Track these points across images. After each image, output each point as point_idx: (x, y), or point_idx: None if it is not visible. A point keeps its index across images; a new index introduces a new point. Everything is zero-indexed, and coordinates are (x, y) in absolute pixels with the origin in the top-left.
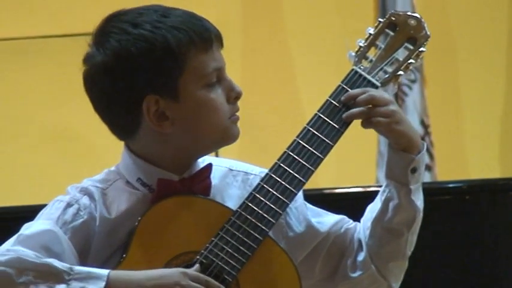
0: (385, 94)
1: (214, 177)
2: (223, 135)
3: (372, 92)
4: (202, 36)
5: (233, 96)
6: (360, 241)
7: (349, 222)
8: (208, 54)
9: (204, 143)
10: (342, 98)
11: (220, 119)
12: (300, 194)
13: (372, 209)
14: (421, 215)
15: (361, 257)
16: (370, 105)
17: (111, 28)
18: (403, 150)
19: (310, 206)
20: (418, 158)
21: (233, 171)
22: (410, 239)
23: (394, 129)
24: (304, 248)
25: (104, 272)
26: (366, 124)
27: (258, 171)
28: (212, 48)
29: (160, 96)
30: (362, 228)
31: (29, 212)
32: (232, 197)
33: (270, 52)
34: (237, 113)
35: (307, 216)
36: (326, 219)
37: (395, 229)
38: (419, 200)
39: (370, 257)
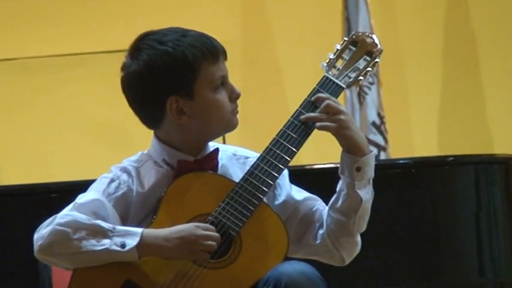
0: (340, 105)
1: (222, 159)
2: (227, 125)
3: (328, 101)
4: (212, 51)
5: (234, 96)
6: (322, 219)
7: (321, 204)
8: (216, 65)
9: (212, 131)
10: (312, 98)
11: (224, 113)
12: (286, 174)
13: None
14: (365, 203)
15: (321, 230)
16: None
17: (143, 45)
18: (349, 152)
19: (295, 186)
20: (362, 160)
21: (236, 156)
22: (357, 222)
23: (341, 133)
24: (285, 212)
25: (139, 230)
26: (318, 127)
27: (256, 156)
28: (219, 60)
29: (180, 97)
30: (325, 210)
31: (82, 186)
32: (236, 175)
33: (264, 63)
34: (237, 109)
35: (289, 189)
36: (304, 194)
37: (344, 212)
38: (363, 192)
39: (326, 231)
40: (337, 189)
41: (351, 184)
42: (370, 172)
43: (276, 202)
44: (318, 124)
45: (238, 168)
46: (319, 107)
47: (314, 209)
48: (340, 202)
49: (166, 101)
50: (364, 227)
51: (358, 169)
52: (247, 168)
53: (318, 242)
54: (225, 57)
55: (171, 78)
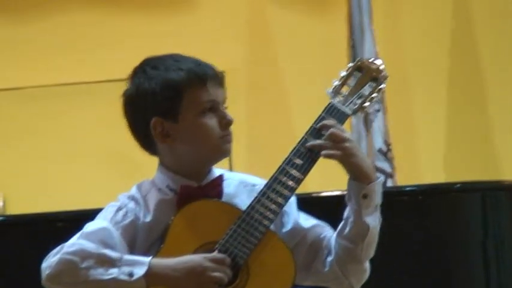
0: (345, 132)
1: (229, 187)
2: (215, 150)
3: (333, 129)
4: (198, 75)
5: (224, 122)
6: (330, 246)
7: (329, 231)
8: (203, 89)
9: (201, 156)
10: (317, 126)
11: (211, 138)
12: (294, 201)
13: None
14: (373, 230)
15: (329, 258)
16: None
17: (139, 69)
18: (356, 180)
19: (303, 213)
20: (368, 187)
21: (243, 183)
22: (365, 249)
23: (346, 161)
24: (293, 240)
25: (147, 259)
26: (324, 155)
27: (263, 183)
28: (206, 85)
29: (165, 119)
30: (333, 237)
31: (90, 215)
32: (243, 202)
33: (270, 91)
34: (229, 136)
35: (296, 217)
36: (312, 221)
37: (351, 240)
38: (371, 219)
39: (335, 259)
40: (344, 216)
41: (358, 211)
42: (377, 199)
43: (284, 230)
44: (323, 152)
45: (245, 196)
46: (325, 134)
47: (322, 236)
48: (347, 229)
49: (150, 121)
50: (372, 254)
51: (365, 196)
52: (254, 194)
53: (326, 269)
54: (219, 84)
55: (155, 101)
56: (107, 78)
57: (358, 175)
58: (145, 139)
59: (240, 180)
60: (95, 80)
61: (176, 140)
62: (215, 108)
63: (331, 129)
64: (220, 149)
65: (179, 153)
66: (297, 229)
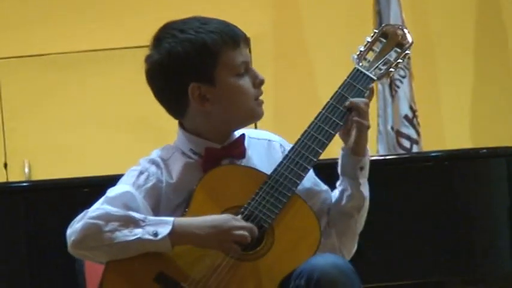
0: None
1: (249, 145)
2: (251, 112)
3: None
4: (232, 37)
5: (257, 82)
6: (329, 216)
7: (331, 197)
8: (237, 51)
9: (236, 118)
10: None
11: (247, 99)
12: None
13: (333, 196)
14: (367, 201)
15: (328, 228)
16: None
17: (164, 34)
18: (353, 153)
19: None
20: (365, 159)
21: (260, 140)
22: (359, 220)
23: (363, 134)
24: (308, 200)
25: (171, 219)
26: (357, 121)
27: (278, 139)
28: (240, 46)
29: (202, 83)
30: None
31: (112, 180)
32: (261, 158)
33: (295, 57)
34: (261, 97)
35: (314, 177)
36: (323, 185)
37: (347, 212)
38: (366, 191)
39: (333, 230)
40: (338, 190)
41: (356, 184)
42: (368, 169)
43: (301, 187)
44: (357, 119)
45: (263, 152)
46: (349, 98)
47: (329, 202)
48: (344, 202)
49: (188, 88)
50: (362, 226)
51: (362, 168)
52: (272, 151)
53: (326, 239)
54: (247, 45)
55: (191, 65)
56: (131, 45)
57: (359, 149)
58: (176, 104)
59: (256, 136)
60: (119, 46)
61: (214, 103)
62: (248, 68)
63: (364, 102)
64: (254, 111)
65: (213, 116)
66: (314, 189)
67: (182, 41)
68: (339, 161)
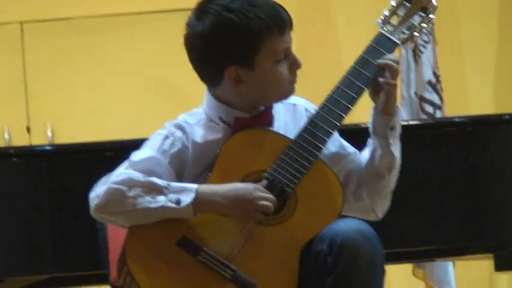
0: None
1: (275, 110)
2: (283, 95)
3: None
4: (278, 24)
5: (295, 67)
6: (360, 177)
7: (360, 158)
8: (281, 38)
9: (268, 99)
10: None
11: (282, 85)
12: None
13: (363, 157)
14: (398, 161)
15: (359, 189)
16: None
17: (210, 9)
18: (383, 113)
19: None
20: (395, 119)
21: (285, 104)
22: (390, 180)
23: (392, 94)
24: (335, 164)
25: (194, 186)
26: (385, 81)
27: (303, 103)
28: (284, 33)
29: (240, 67)
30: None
31: (137, 144)
32: (287, 122)
33: (319, 21)
34: (296, 79)
35: (339, 139)
36: (351, 147)
37: (379, 172)
38: (396, 151)
39: (365, 191)
40: (369, 149)
41: (386, 144)
42: (399, 129)
43: (326, 152)
44: (383, 80)
45: (288, 116)
46: (373, 62)
47: (358, 164)
48: (376, 163)
49: (226, 69)
50: (394, 185)
51: (392, 128)
52: (297, 115)
53: (357, 201)
54: (291, 28)
55: (233, 48)
56: (156, 9)
57: (389, 108)
58: (211, 76)
59: (283, 102)
60: (144, 10)
61: (248, 85)
62: (288, 53)
63: (396, 60)
64: (287, 92)
65: (244, 95)
66: (341, 153)
67: (228, 21)
68: (370, 121)
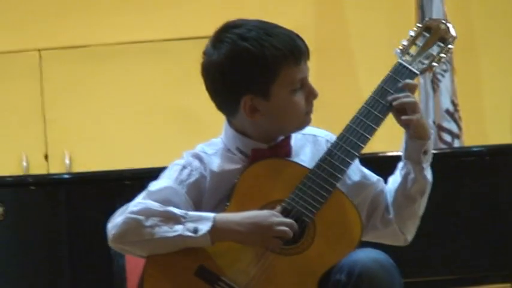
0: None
1: (294, 141)
2: (299, 125)
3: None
4: (294, 54)
5: (311, 98)
6: (387, 202)
7: (384, 185)
8: (297, 68)
9: (284, 129)
10: (400, 85)
11: (298, 115)
12: None
13: (394, 181)
14: (430, 185)
15: (388, 215)
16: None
17: (226, 38)
18: (417, 137)
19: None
20: (428, 143)
21: (305, 135)
22: (422, 203)
23: (418, 123)
24: (358, 194)
25: (211, 215)
26: (405, 120)
27: (324, 135)
28: (301, 63)
29: (255, 96)
30: (388, 194)
31: (155, 173)
32: (306, 154)
33: (337, 50)
34: (312, 109)
35: (361, 168)
36: (374, 175)
37: (411, 196)
38: (429, 175)
39: (394, 216)
40: (401, 174)
41: (419, 168)
42: (431, 153)
43: (349, 182)
44: (405, 118)
45: (309, 148)
46: (392, 92)
47: (383, 191)
48: (408, 186)
49: (241, 98)
50: (424, 209)
51: (425, 152)
52: (317, 147)
53: (386, 226)
54: (308, 58)
55: (249, 77)
56: (173, 37)
57: (420, 133)
58: (227, 105)
59: (303, 132)
60: (161, 38)
61: (264, 115)
62: (304, 83)
63: (409, 99)
64: (303, 122)
65: (260, 125)
66: (364, 182)
67: (243, 50)
68: (402, 144)
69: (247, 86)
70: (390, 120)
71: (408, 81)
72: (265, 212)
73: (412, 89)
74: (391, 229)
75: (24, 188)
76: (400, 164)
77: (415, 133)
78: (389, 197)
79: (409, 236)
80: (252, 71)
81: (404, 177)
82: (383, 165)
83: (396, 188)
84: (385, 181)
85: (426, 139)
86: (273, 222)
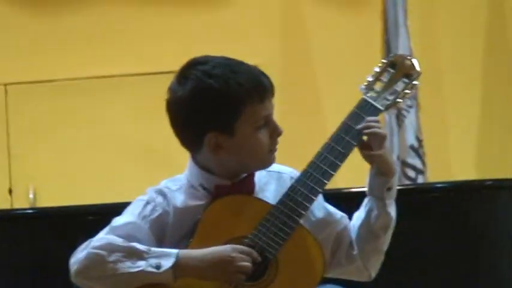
0: (383, 130)
1: (258, 178)
2: (262, 163)
3: (376, 129)
4: (258, 91)
5: (275, 135)
6: (351, 239)
7: (348, 222)
8: (261, 105)
9: (248, 166)
10: (359, 126)
11: (261, 152)
12: None
13: (358, 217)
14: (394, 221)
15: (353, 251)
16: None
17: (191, 74)
18: (381, 174)
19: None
20: (393, 180)
21: (270, 172)
22: (386, 240)
23: (384, 159)
24: (322, 230)
25: (174, 251)
26: (368, 155)
27: (289, 172)
28: (265, 100)
29: (220, 133)
30: (352, 229)
31: (118, 208)
32: (271, 191)
33: (302, 85)
34: (276, 147)
35: (325, 205)
36: (338, 212)
37: (375, 232)
38: (393, 211)
39: (358, 253)
40: (365, 210)
41: (383, 204)
42: (395, 189)
43: (314, 218)
44: (369, 153)
45: (274, 186)
46: (356, 129)
47: (347, 227)
48: (372, 222)
49: (206, 135)
50: (388, 244)
51: (389, 189)
52: (282, 184)
53: (350, 263)
54: (273, 94)
55: (213, 114)
56: (142, 71)
57: (385, 169)
58: (191, 142)
59: (267, 169)
60: (127, 73)
61: (228, 152)
62: (268, 120)
63: (376, 130)
64: (267, 160)
65: (224, 161)
66: (328, 219)
67: (208, 87)
68: (367, 181)
69: (212, 123)
70: (356, 155)
71: (371, 118)
72: (226, 247)
73: (378, 139)
74: (356, 265)
75: None
76: (365, 200)
77: (380, 169)
78: (354, 233)
79: (373, 272)
80: (216, 108)
81: (368, 213)
82: (348, 201)
83: (360, 224)
84: (350, 217)
85: (391, 176)
86: (234, 257)
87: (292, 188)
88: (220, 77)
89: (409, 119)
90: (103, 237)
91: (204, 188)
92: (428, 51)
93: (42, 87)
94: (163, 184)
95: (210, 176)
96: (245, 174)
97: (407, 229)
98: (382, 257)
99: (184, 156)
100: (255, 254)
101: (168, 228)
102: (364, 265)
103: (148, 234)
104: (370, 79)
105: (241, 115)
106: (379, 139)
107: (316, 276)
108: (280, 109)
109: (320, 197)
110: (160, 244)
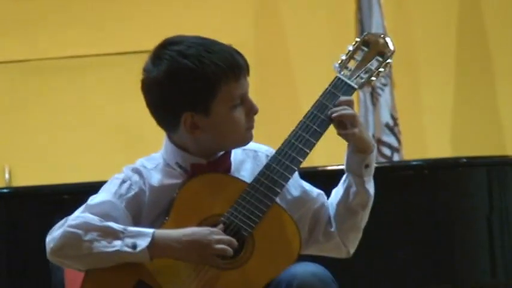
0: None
1: (234, 156)
2: (240, 141)
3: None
4: (234, 70)
5: (252, 113)
6: (329, 216)
7: (325, 199)
8: (237, 84)
9: (224, 145)
10: (336, 103)
11: (238, 131)
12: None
13: (336, 193)
14: (372, 198)
15: (330, 228)
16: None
17: (165, 54)
18: (359, 151)
19: (304, 181)
20: (370, 157)
21: (246, 150)
22: (364, 216)
23: (359, 137)
24: (298, 208)
25: (150, 230)
26: (344, 134)
27: (264, 150)
28: (240, 79)
29: (195, 113)
30: (330, 207)
31: (94, 187)
32: (247, 170)
33: (276, 65)
34: (253, 124)
35: (301, 183)
36: (315, 189)
37: (353, 209)
38: (371, 188)
39: (336, 229)
40: (343, 187)
41: (361, 181)
42: (373, 166)
43: (289, 197)
44: (344, 132)
45: (249, 163)
46: (331, 107)
47: (325, 205)
48: (350, 199)
49: (182, 115)
50: (366, 221)
51: (367, 166)
52: (258, 162)
53: (328, 240)
54: (248, 73)
55: (188, 94)
56: (114, 51)
57: (362, 147)
58: (167, 121)
59: (244, 148)
60: (101, 52)
61: (205, 131)
62: (244, 99)
63: (342, 112)
64: (245, 138)
65: (201, 141)
66: (304, 197)
67: (183, 67)
68: (345, 158)
69: (187, 103)
70: (333, 133)
71: (343, 98)
72: (204, 230)
73: (349, 105)
74: (334, 242)
75: None
76: (343, 177)
77: (357, 146)
78: (332, 210)
79: (352, 249)
80: (191, 88)
81: (346, 190)
82: (325, 179)
83: (338, 200)
84: (328, 195)
85: (368, 153)
86: (211, 240)
87: (267, 166)
88: (194, 56)
89: (384, 97)
90: (79, 215)
91: (180, 167)
92: (402, 29)
93: (16, 67)
94: (139, 163)
95: (186, 155)
96: (221, 153)
97: (383, 207)
98: (360, 234)
99: (160, 135)
100: (233, 240)
101: (144, 207)
102: (343, 242)
103: (125, 213)
104: (344, 57)
105: (216, 94)
106: (349, 119)
107: (293, 254)
108: (254, 88)
109: (296, 175)
110: (136, 223)
